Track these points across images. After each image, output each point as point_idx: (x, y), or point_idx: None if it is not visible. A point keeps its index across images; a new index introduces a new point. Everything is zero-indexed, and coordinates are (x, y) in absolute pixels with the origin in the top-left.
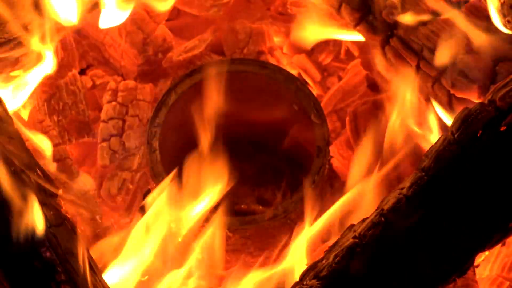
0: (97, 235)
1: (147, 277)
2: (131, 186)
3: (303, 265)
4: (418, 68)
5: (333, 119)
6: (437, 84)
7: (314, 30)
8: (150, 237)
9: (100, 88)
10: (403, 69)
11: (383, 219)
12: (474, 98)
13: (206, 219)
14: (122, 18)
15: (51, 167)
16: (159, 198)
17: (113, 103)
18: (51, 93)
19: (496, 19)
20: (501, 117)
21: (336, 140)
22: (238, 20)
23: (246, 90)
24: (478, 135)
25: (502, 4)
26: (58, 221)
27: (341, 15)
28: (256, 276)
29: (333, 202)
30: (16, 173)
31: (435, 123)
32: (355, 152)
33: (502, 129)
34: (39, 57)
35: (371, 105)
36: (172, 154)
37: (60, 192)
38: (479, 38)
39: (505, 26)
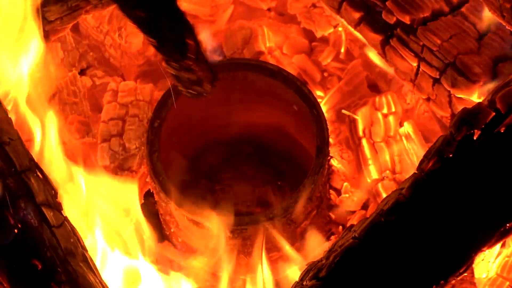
0: None
1: None
2: None
3: None
4: (418, 68)
5: (333, 119)
6: (437, 84)
7: None
8: None
9: (100, 89)
10: None
11: (382, 219)
12: (474, 98)
13: None
14: None
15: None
16: None
17: (113, 103)
18: (51, 93)
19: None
20: (501, 118)
21: (336, 140)
22: (238, 21)
23: (246, 91)
24: (478, 135)
25: (501, 5)
26: (58, 222)
27: (341, 15)
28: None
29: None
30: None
31: None
32: None
33: (501, 130)
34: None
35: (371, 105)
36: (172, 154)
37: (60, 192)
38: None
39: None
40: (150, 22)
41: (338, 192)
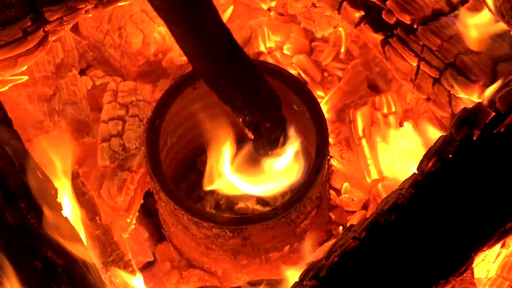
0: (97, 236)
1: None
2: (131, 186)
3: None
4: (418, 68)
5: (333, 119)
6: (437, 84)
7: None
8: None
9: (100, 88)
10: None
11: (382, 219)
12: (474, 98)
13: None
14: None
15: None
16: None
17: (113, 103)
18: (51, 93)
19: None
20: (501, 118)
21: (336, 140)
22: (238, 21)
23: None
24: (477, 135)
25: (500, 5)
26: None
27: (341, 15)
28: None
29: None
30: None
31: None
32: None
33: (501, 130)
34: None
35: (371, 105)
36: (172, 154)
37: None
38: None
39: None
40: (255, 124)
41: (338, 192)
